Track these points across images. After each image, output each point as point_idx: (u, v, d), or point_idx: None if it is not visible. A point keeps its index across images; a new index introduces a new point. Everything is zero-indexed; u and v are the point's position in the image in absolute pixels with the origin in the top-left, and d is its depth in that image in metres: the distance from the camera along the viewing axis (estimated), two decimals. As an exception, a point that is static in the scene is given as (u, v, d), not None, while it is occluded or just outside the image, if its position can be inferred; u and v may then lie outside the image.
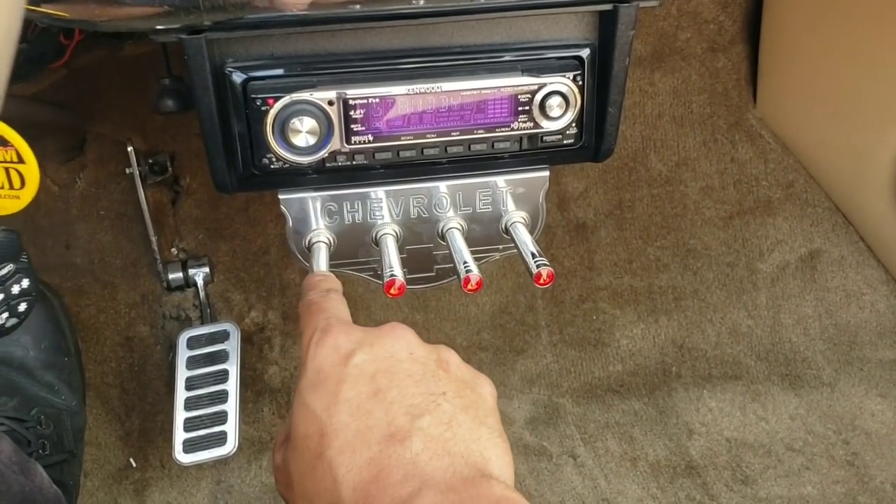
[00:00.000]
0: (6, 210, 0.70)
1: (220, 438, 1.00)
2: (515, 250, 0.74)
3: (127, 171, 1.08)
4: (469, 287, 0.67)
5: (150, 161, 1.14)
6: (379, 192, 0.72)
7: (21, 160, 0.67)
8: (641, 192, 1.26)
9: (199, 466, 1.08)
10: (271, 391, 1.16)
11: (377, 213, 0.73)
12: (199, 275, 1.16)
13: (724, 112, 1.28)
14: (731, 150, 1.28)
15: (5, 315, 0.69)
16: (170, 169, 1.15)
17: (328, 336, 0.47)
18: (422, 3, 0.60)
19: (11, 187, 0.68)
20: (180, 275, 1.16)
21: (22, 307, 0.70)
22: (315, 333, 0.48)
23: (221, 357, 1.04)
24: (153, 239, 1.13)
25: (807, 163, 1.27)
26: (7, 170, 0.68)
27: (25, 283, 0.70)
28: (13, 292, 0.69)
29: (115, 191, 1.15)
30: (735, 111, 1.28)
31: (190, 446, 1.00)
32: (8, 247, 0.68)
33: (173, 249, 1.18)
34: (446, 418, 0.43)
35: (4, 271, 0.68)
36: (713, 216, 1.27)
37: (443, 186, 0.72)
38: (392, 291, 0.66)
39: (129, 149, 1.07)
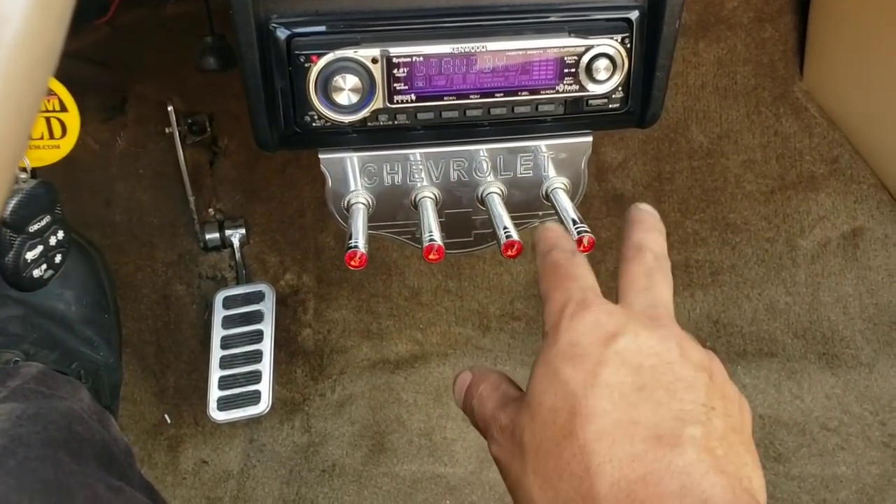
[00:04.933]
0: (45, 161, 0.70)
1: (254, 397, 1.01)
2: (556, 217, 0.73)
3: (166, 130, 1.09)
4: (509, 253, 0.67)
5: (189, 121, 1.14)
6: (419, 155, 0.71)
7: (63, 108, 0.67)
8: (681, 164, 1.24)
9: (233, 425, 1.10)
10: (304, 353, 1.17)
11: (417, 176, 0.72)
12: (235, 236, 1.17)
13: (769, 84, 1.25)
14: (775, 123, 1.25)
15: (44, 267, 0.70)
16: (208, 129, 1.15)
17: (587, 311, 0.43)
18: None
19: (52, 137, 0.69)
20: (217, 235, 1.17)
21: (57, 258, 0.71)
22: (570, 303, 0.44)
23: (257, 317, 1.05)
24: (191, 199, 1.13)
25: (853, 138, 1.24)
26: (48, 119, 0.69)
27: (61, 234, 0.70)
28: (51, 244, 0.70)
29: (154, 150, 1.15)
30: (781, 83, 1.25)
31: (224, 404, 1.01)
32: (45, 198, 0.68)
33: (210, 210, 1.19)
34: (717, 434, 0.39)
35: (43, 223, 0.68)
36: (754, 190, 1.24)
37: (483, 150, 0.72)
38: (431, 256, 0.66)
39: (169, 108, 1.07)
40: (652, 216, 0.52)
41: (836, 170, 1.24)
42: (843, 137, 1.24)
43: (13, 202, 0.66)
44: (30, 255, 0.68)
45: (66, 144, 0.70)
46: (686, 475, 0.36)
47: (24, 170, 0.69)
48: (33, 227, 0.68)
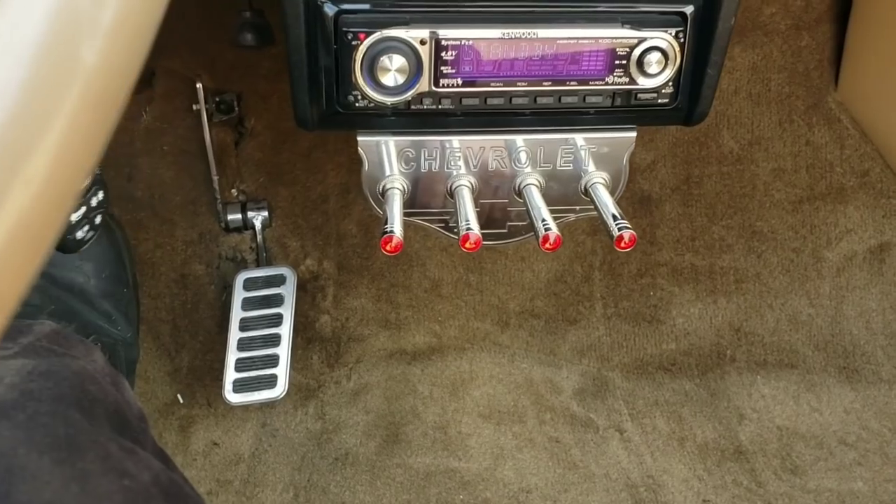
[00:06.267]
0: None
1: (270, 381, 1.00)
2: (594, 212, 0.72)
3: (194, 107, 1.08)
4: (547, 245, 0.65)
5: (217, 100, 1.13)
6: (456, 142, 0.70)
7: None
8: (710, 169, 1.22)
9: (246, 408, 1.08)
10: (322, 340, 1.16)
11: (454, 164, 0.71)
12: (257, 218, 1.16)
13: (802, 93, 1.23)
14: (806, 132, 1.23)
15: (86, 228, 0.69)
16: (236, 109, 1.14)
17: None
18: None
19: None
20: (239, 216, 1.16)
21: (98, 219, 0.70)
22: None
23: (277, 301, 1.04)
24: (215, 178, 1.12)
25: (885, 152, 1.22)
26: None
27: (101, 195, 0.69)
28: (92, 205, 0.68)
29: (180, 127, 1.14)
30: (815, 93, 1.24)
31: (240, 386, 1.00)
32: None
33: (233, 191, 1.18)
34: None
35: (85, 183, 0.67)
36: (782, 199, 1.23)
37: (523, 140, 0.70)
38: (468, 245, 0.65)
39: (198, 85, 1.06)
40: None
41: (866, 183, 1.23)
42: (875, 151, 1.23)
43: None
44: (74, 217, 0.67)
45: None
46: None
47: None
48: None
